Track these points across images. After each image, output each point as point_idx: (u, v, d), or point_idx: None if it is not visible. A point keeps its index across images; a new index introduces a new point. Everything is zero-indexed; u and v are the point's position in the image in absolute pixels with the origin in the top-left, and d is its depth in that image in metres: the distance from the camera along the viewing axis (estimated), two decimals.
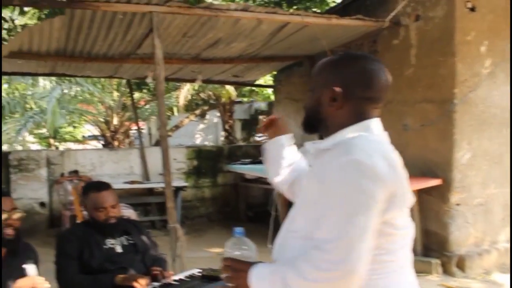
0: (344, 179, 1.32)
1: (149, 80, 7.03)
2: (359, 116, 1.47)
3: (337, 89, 1.45)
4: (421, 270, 5.01)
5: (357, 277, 1.28)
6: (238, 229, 1.63)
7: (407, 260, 1.47)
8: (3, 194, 2.46)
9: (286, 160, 1.89)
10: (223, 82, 9.46)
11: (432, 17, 5.23)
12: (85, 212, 6.13)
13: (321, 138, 1.56)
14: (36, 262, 2.55)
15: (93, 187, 3.06)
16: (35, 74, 8.10)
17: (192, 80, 8.26)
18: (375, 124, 1.49)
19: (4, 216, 2.30)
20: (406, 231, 1.44)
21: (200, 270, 2.97)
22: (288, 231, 1.55)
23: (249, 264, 1.47)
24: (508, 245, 5.37)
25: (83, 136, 19.47)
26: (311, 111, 1.55)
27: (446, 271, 5.07)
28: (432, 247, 5.28)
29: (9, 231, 2.32)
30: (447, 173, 5.10)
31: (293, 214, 1.57)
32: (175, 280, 2.83)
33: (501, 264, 5.25)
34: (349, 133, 1.44)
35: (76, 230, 3.07)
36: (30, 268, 2.27)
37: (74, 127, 18.31)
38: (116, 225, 3.00)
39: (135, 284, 2.61)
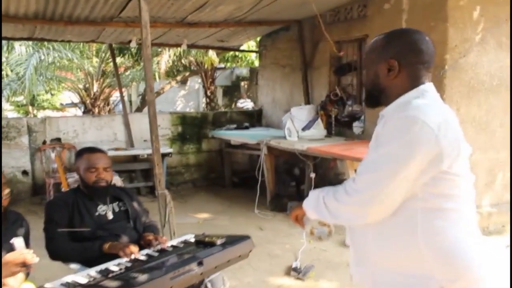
0: (394, 130, 1.53)
1: (133, 44, 6.86)
2: (415, 81, 1.65)
3: (391, 60, 1.65)
4: None
5: (368, 210, 1.55)
6: None
7: (470, 214, 1.64)
8: None
9: None
10: (208, 47, 9.31)
11: None
12: (71, 179, 6.10)
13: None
14: (27, 231, 2.51)
15: (87, 150, 3.04)
16: (12, 39, 7.80)
17: (177, 45, 8.10)
18: (430, 88, 1.66)
19: None
20: (465, 178, 1.62)
21: (194, 236, 2.96)
22: None
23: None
24: (491, 209, 5.48)
25: (61, 104, 19.15)
26: (371, 85, 1.74)
27: None
28: None
29: None
30: None
31: None
32: (168, 246, 2.81)
33: (483, 227, 5.34)
34: (409, 97, 1.62)
35: (65, 197, 3.01)
36: (18, 242, 2.21)
37: (52, 94, 17.96)
38: (107, 190, 2.96)
39: (120, 253, 2.59)
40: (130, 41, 6.90)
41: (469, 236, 1.60)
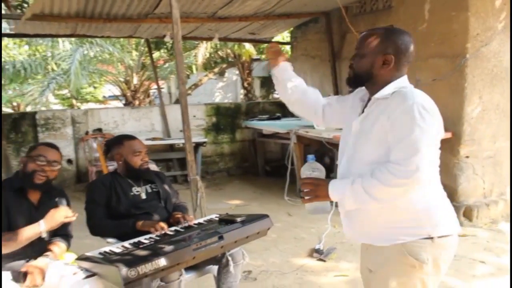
0: (413, 116, 1.81)
1: (167, 39, 7.20)
2: (398, 74, 1.99)
3: (389, 56, 1.96)
4: None
5: (422, 183, 1.82)
6: (311, 156, 2.11)
7: (437, 179, 2.00)
8: (52, 146, 2.77)
9: (292, 81, 2.36)
10: (239, 40, 9.56)
11: None
12: (111, 167, 6.49)
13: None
14: (68, 203, 2.86)
15: (124, 137, 3.36)
16: (56, 36, 8.29)
17: (209, 38, 8.39)
18: (406, 79, 2.02)
19: (43, 163, 2.59)
20: (438, 154, 1.94)
21: (218, 215, 3.26)
22: (352, 160, 2.03)
23: (326, 180, 2.00)
24: None
25: (104, 96, 19.80)
26: (363, 71, 2.02)
27: None
28: None
29: (40, 176, 2.62)
30: (457, 126, 5.23)
31: (353, 148, 2.04)
32: (195, 224, 3.10)
33: (507, 214, 5.44)
34: (396, 86, 1.95)
35: (104, 179, 3.33)
36: (61, 201, 2.70)
37: (95, 87, 18.59)
38: (149, 170, 3.31)
39: (151, 229, 2.90)
40: (164, 36, 7.23)
41: (440, 194, 2.02)
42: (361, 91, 2.17)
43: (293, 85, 2.35)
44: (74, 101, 17.13)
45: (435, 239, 1.92)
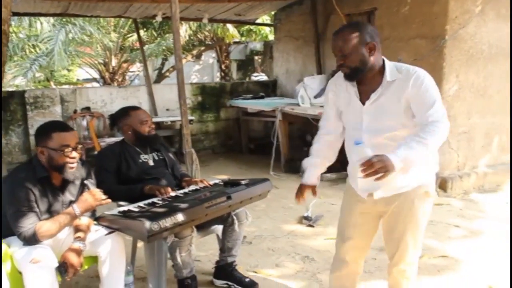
0: (430, 82, 2.24)
1: (158, 18, 7.34)
2: (380, 55, 2.30)
3: (372, 43, 2.23)
4: None
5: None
6: (357, 141, 2.25)
7: None
8: (65, 129, 2.70)
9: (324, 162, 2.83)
10: (225, 21, 9.72)
11: None
12: (102, 143, 6.62)
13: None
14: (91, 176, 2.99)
15: (128, 108, 3.56)
16: (45, 15, 8.32)
17: (198, 19, 8.54)
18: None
19: (70, 153, 2.63)
20: None
21: (221, 180, 3.53)
22: (374, 132, 2.33)
23: (385, 155, 2.12)
24: (487, 170, 5.97)
25: (78, 79, 19.60)
26: (361, 64, 2.25)
27: None
28: None
29: (73, 165, 2.67)
30: None
31: (372, 124, 2.33)
32: (201, 187, 3.36)
33: (479, 186, 5.87)
34: (392, 67, 2.29)
35: (113, 148, 3.53)
36: (91, 183, 2.82)
37: (69, 70, 18.30)
38: (158, 136, 3.56)
39: (157, 192, 3.14)
40: (154, 16, 7.37)
41: None
42: (331, 85, 2.54)
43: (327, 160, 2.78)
44: (51, 84, 16.97)
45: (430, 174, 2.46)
